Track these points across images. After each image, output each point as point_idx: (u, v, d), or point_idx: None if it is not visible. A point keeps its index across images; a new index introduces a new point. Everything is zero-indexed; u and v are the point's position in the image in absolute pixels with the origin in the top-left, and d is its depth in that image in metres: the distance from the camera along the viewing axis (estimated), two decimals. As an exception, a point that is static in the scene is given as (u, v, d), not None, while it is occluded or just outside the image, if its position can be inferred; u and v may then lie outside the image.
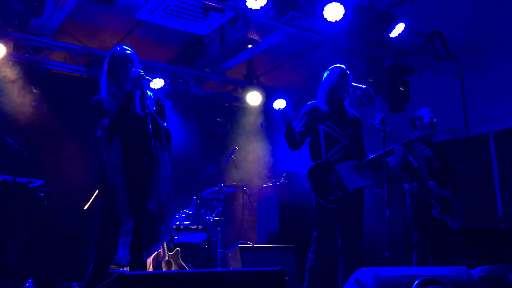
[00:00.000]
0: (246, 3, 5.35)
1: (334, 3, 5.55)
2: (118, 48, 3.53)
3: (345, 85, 4.08)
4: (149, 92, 3.50)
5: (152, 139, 3.24)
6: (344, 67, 4.16)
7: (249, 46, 6.99)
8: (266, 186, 6.34)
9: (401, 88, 6.70)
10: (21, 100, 6.24)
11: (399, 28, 6.06)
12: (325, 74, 4.18)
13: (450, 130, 7.10)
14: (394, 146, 3.92)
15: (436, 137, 4.48)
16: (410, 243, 4.92)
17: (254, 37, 6.80)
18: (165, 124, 3.46)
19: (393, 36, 6.10)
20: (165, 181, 3.37)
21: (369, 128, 4.18)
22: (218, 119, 8.17)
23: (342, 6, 5.58)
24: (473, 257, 5.34)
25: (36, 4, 4.67)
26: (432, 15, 6.50)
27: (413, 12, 6.24)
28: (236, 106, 8.28)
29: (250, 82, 7.99)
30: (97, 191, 3.27)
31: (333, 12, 5.59)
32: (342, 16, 5.61)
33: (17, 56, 6.37)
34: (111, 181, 3.21)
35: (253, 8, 5.38)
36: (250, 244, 5.30)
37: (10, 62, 6.28)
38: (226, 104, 8.27)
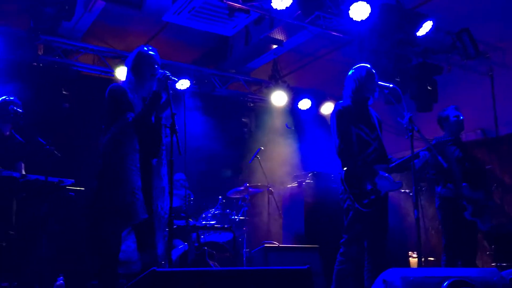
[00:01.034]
0: (272, 4, 5.36)
1: (360, 2, 5.52)
2: (145, 48, 3.54)
3: (372, 84, 4.02)
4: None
5: (164, 142, 3.28)
6: (369, 66, 4.10)
7: (274, 46, 7.00)
8: (292, 186, 6.33)
9: (428, 87, 6.61)
10: (52, 101, 6.39)
11: (427, 26, 5.98)
12: (350, 74, 4.13)
13: (479, 129, 6.96)
14: (419, 151, 3.85)
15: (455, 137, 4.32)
16: (438, 245, 4.85)
17: (279, 37, 6.81)
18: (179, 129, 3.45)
19: (420, 35, 6.02)
20: (165, 187, 3.37)
21: (397, 127, 4.14)
22: (243, 119, 8.20)
23: (368, 5, 5.54)
24: (504, 259, 5.23)
25: (66, 8, 4.79)
26: (460, 12, 6.38)
27: (441, 9, 6.14)
28: (261, 106, 8.30)
29: (275, 82, 8.00)
30: (102, 184, 3.22)
31: (359, 11, 5.55)
32: (368, 15, 5.57)
33: (48, 58, 6.54)
34: (127, 175, 3.19)
35: (278, 9, 5.39)
36: (276, 244, 5.31)
37: (41, 65, 6.45)
38: (251, 104, 8.30)
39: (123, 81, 3.51)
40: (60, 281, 4.77)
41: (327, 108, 8.10)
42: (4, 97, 4.58)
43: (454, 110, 4.82)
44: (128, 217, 3.17)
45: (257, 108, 8.33)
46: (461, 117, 4.77)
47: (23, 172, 4.53)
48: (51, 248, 4.06)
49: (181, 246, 5.35)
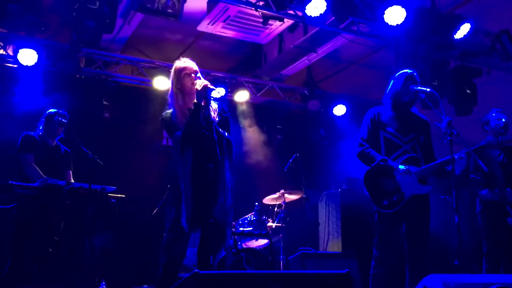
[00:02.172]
0: (306, 11, 5.39)
1: (395, 6, 5.48)
2: (181, 61, 3.66)
3: (409, 89, 4.01)
4: (214, 103, 3.61)
5: (217, 147, 3.35)
6: (411, 71, 4.09)
7: (308, 53, 7.01)
8: (328, 192, 6.31)
9: (467, 91, 6.47)
10: (93, 112, 6.61)
11: (465, 28, 5.87)
12: (392, 78, 4.15)
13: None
14: (455, 155, 3.80)
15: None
16: (479, 252, 4.73)
17: (313, 44, 6.82)
18: (227, 134, 3.56)
19: (458, 37, 5.91)
20: (228, 188, 3.47)
21: (434, 132, 4.09)
22: (278, 126, 8.23)
23: (403, 9, 5.49)
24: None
25: (107, 21, 4.95)
26: (499, 13, 6.22)
27: (479, 11, 6.01)
28: (296, 113, 8.31)
29: (309, 89, 8.01)
30: (164, 197, 3.43)
31: (394, 16, 5.51)
32: (403, 19, 5.52)
33: (89, 70, 6.77)
34: (183, 189, 3.33)
35: (312, 15, 5.41)
36: (312, 250, 5.30)
37: (83, 77, 6.69)
38: (286, 111, 8.32)
39: (170, 102, 3.62)
40: (103, 286, 4.91)
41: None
42: (50, 110, 4.77)
43: (497, 114, 4.71)
44: (175, 231, 3.30)
45: (291, 115, 8.35)
46: (503, 120, 4.66)
47: (72, 181, 4.70)
48: (93, 253, 4.19)
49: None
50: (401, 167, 3.83)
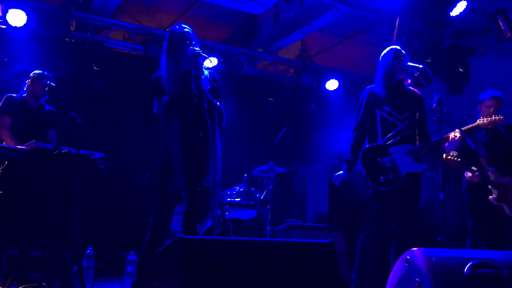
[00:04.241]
0: (302, -19, 5.31)
1: (392, -19, 5.41)
2: (177, 27, 3.61)
3: (401, 66, 4.00)
4: (205, 71, 3.58)
5: (207, 116, 3.34)
6: (399, 47, 4.07)
7: (303, 25, 6.93)
8: (317, 166, 6.34)
9: (460, 69, 6.47)
10: (83, 77, 6.51)
11: (461, 6, 5.82)
12: (380, 57, 4.13)
13: (512, 114, 6.78)
14: (449, 134, 3.82)
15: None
16: (463, 229, 4.81)
17: (308, 16, 6.73)
18: (218, 103, 3.54)
19: (454, 15, 5.87)
20: (219, 158, 3.47)
21: (426, 110, 4.09)
22: (270, 99, 8.20)
23: (401, -16, 5.43)
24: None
25: (99, -17, 4.83)
26: (496, -7, 6.19)
27: (477, -11, 5.97)
28: (288, 86, 8.27)
29: (303, 62, 7.95)
30: (155, 164, 3.42)
31: (391, -10, 5.45)
32: (400, -6, 5.46)
33: (79, 34, 6.65)
34: (171, 156, 3.33)
35: (308, -14, 5.33)
36: (299, 223, 5.35)
37: (73, 41, 6.57)
38: (278, 84, 8.27)
39: (161, 65, 3.57)
40: (90, 251, 4.95)
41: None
42: (36, 71, 4.68)
43: (490, 95, 4.72)
44: (176, 199, 3.31)
45: (284, 88, 8.31)
46: (494, 103, 4.67)
47: (55, 140, 4.68)
48: (81, 219, 4.19)
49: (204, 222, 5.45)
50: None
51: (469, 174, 4.50)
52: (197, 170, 3.36)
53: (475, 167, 4.48)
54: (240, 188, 6.06)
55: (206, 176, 3.40)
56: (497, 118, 4.30)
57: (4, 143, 4.30)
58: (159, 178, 3.38)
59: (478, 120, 4.38)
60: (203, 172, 3.39)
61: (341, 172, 4.11)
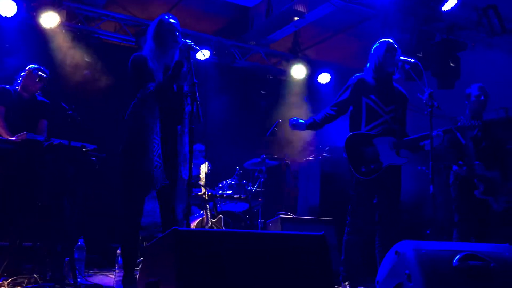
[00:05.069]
0: (295, -26, 5.30)
1: (385, -25, 5.42)
2: (166, 17, 3.60)
3: (392, 59, 4.03)
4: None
5: (186, 111, 3.36)
6: (392, 40, 4.10)
7: (296, 18, 6.93)
8: (308, 159, 6.37)
9: (451, 64, 6.50)
10: (73, 68, 6.46)
11: (452, 1, 5.85)
12: (372, 49, 4.15)
13: (502, 108, 6.85)
14: (434, 131, 3.85)
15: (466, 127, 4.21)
16: (452, 222, 4.87)
17: (301, 9, 6.73)
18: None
19: (445, 10, 5.90)
20: (187, 159, 3.46)
21: (417, 104, 4.13)
22: (262, 92, 8.20)
23: (393, -22, 5.44)
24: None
25: (90, -26, 4.79)
26: (487, -12, 6.22)
27: (468, -16, 6.00)
28: (281, 79, 8.27)
29: (295, 55, 7.95)
30: (125, 152, 3.39)
31: (384, -16, 5.46)
32: (393, -12, 5.48)
33: (70, 25, 6.58)
34: (147, 144, 3.31)
35: (301, -21, 5.32)
36: (291, 216, 5.39)
37: (63, 31, 6.50)
38: (271, 77, 8.27)
39: (144, 50, 3.56)
40: (81, 243, 4.94)
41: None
42: (31, 65, 4.66)
43: (477, 90, 4.76)
44: (147, 184, 3.30)
45: (276, 81, 8.31)
46: (482, 98, 4.72)
47: (46, 131, 4.66)
48: (73, 211, 4.19)
49: (198, 214, 5.47)
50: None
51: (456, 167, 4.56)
52: (172, 163, 3.37)
53: (462, 161, 4.53)
54: (232, 181, 6.09)
55: (179, 168, 3.41)
56: None
57: None
58: (129, 167, 3.35)
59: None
60: (177, 165, 3.40)
61: (302, 121, 4.13)
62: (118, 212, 3.41)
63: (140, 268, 2.47)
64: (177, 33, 3.51)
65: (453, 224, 4.79)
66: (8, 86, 4.60)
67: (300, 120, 4.14)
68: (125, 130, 3.46)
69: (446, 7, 5.87)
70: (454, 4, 5.86)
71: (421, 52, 6.38)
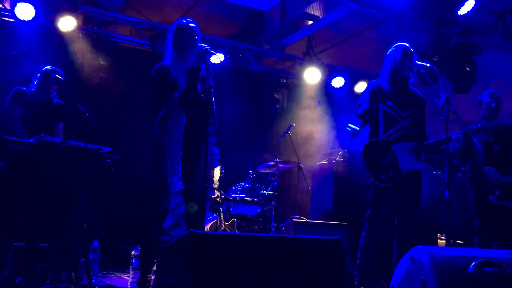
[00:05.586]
0: (309, -22, 5.30)
1: (400, -21, 5.40)
2: (184, 21, 3.59)
3: (409, 63, 4.01)
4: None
5: (215, 113, 3.35)
6: (408, 45, 4.07)
7: (310, 22, 6.93)
8: (322, 163, 6.35)
9: (467, 68, 6.45)
10: (90, 71, 6.53)
11: (469, 5, 5.81)
12: (388, 53, 4.13)
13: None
14: (454, 134, 3.82)
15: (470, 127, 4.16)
16: (468, 228, 4.82)
17: (315, 13, 6.73)
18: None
19: (461, 14, 5.85)
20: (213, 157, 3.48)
21: (432, 108, 4.10)
22: (275, 95, 8.21)
23: (408, -18, 5.42)
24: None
25: (107, -22, 4.85)
26: (504, -8, 6.16)
27: (485, -12, 5.94)
28: (294, 83, 8.27)
29: (309, 59, 7.95)
30: (153, 159, 3.42)
31: (399, -12, 5.44)
32: (408, -8, 5.45)
33: (87, 29, 6.67)
34: (164, 153, 3.34)
35: (316, -17, 5.33)
36: (303, 219, 5.37)
37: (80, 35, 6.59)
38: (284, 81, 8.28)
39: (165, 58, 3.57)
40: (96, 244, 4.98)
41: (361, 87, 8.00)
42: (47, 67, 4.71)
43: (487, 96, 4.72)
44: (164, 190, 3.32)
45: (290, 85, 8.31)
46: (493, 104, 4.68)
47: (62, 133, 4.71)
48: (88, 213, 4.23)
49: (211, 217, 5.48)
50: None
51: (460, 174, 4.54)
52: (200, 167, 3.38)
53: (472, 166, 4.50)
54: (245, 184, 6.09)
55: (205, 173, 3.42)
56: None
57: (13, 135, 4.33)
58: (155, 172, 3.38)
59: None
60: (204, 170, 3.41)
61: (357, 128, 4.02)
62: (139, 214, 3.44)
63: (156, 270, 2.49)
64: (196, 37, 3.52)
65: (469, 230, 4.74)
66: (24, 88, 4.66)
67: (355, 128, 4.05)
68: (152, 143, 3.48)
69: (463, 11, 5.82)
70: (471, 8, 5.81)
71: (436, 56, 6.34)
